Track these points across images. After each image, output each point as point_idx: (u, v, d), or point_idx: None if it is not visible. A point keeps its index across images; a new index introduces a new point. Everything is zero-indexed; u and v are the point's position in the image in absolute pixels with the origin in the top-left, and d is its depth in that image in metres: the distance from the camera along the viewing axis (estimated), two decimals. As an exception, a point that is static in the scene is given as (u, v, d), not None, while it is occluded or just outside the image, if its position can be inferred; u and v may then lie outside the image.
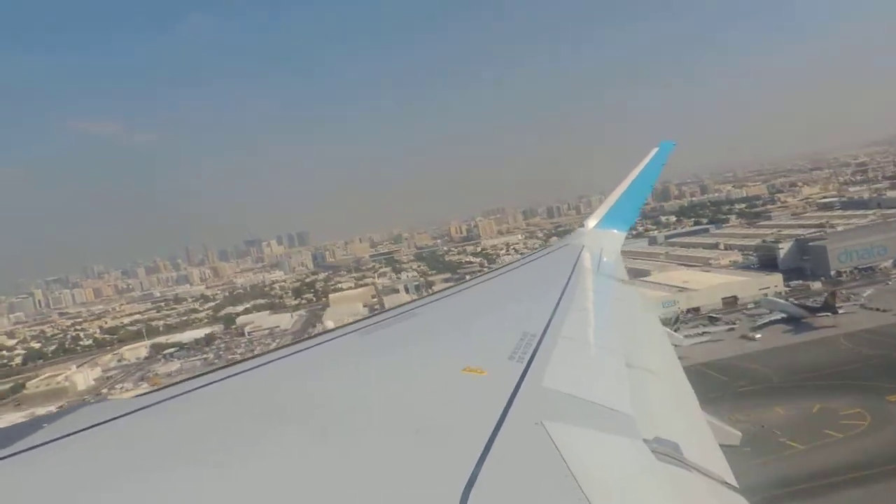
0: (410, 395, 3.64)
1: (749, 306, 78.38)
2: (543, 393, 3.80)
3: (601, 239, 13.29)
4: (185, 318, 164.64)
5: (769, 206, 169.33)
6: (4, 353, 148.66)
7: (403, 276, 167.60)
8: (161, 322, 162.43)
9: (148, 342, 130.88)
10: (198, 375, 3.82)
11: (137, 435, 2.77)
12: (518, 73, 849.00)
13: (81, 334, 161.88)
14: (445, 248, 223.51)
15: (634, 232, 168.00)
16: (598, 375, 4.86)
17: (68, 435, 2.61)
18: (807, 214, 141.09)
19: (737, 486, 3.53)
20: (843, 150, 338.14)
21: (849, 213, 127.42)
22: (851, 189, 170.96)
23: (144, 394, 3.44)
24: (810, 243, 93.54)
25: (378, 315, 6.12)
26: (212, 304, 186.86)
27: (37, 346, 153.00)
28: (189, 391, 3.40)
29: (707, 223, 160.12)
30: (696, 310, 78.02)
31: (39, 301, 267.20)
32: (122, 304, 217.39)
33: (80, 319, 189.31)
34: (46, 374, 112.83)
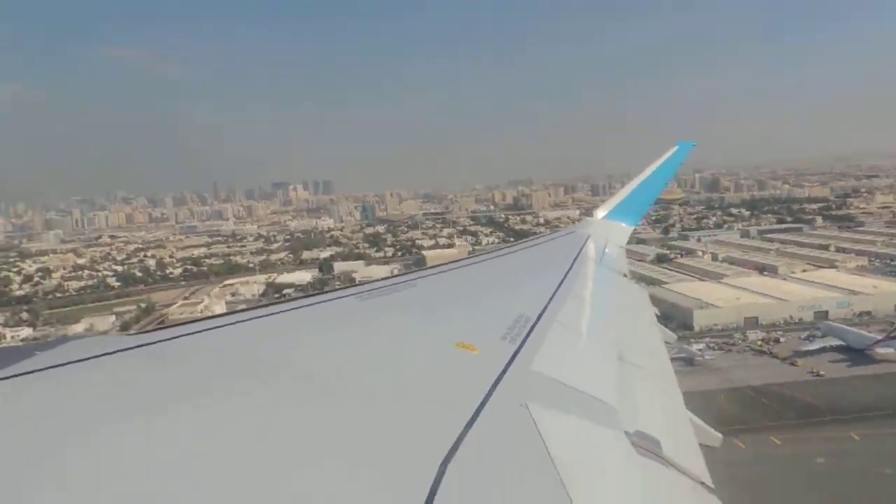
0: (400, 364, 3.63)
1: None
2: (531, 376, 3.81)
3: (608, 230, 13.30)
4: (262, 257, 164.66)
5: (850, 211, 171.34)
6: (89, 273, 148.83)
7: (482, 239, 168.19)
8: (243, 259, 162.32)
9: (261, 277, 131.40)
10: (189, 322, 3.71)
11: (120, 376, 2.68)
12: (561, 51, 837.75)
13: (169, 261, 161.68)
14: (503, 216, 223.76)
15: (708, 225, 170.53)
16: (588, 365, 4.92)
17: (58, 366, 2.56)
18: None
19: (713, 486, 3.58)
20: (871, 158, 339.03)
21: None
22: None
23: (137, 332, 3.36)
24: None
25: (377, 282, 6.05)
26: (275, 245, 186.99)
27: (117, 269, 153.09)
28: (179, 336, 3.34)
29: (791, 222, 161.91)
30: (868, 313, 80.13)
31: (77, 221, 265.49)
32: (175, 235, 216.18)
33: (140, 246, 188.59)
34: (179, 300, 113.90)
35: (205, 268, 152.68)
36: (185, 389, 2.64)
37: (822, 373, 63.62)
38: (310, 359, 3.41)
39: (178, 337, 3.35)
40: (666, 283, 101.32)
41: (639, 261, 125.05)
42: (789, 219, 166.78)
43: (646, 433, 3.66)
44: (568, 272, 8.09)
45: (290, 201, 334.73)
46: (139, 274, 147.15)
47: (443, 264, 8.12)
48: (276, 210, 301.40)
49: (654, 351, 6.78)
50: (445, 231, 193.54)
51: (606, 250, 11.64)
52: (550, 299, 6.12)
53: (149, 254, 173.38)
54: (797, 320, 79.98)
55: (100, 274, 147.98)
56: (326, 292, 5.44)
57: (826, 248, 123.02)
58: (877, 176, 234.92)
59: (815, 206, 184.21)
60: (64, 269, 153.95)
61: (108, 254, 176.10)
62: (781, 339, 74.52)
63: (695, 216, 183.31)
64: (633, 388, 4.78)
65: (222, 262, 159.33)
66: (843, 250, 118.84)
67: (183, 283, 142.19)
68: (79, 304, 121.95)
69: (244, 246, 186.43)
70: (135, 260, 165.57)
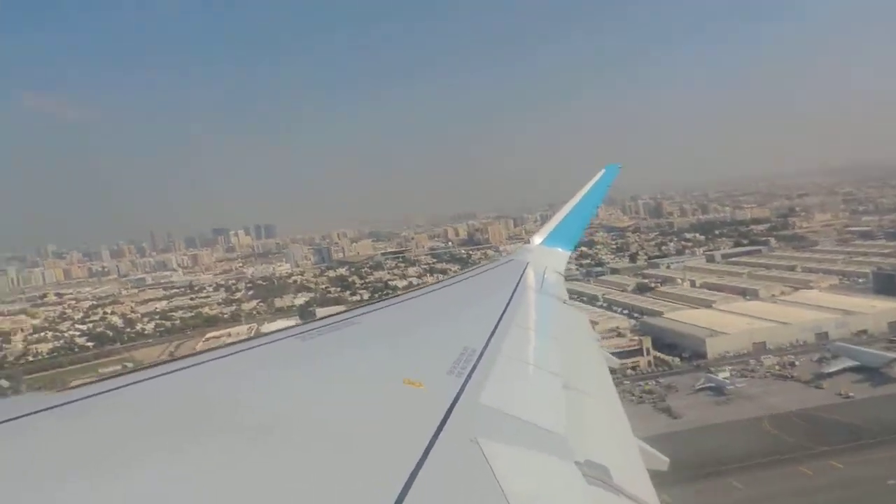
0: (346, 405, 3.63)
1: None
2: (480, 409, 3.85)
3: (546, 257, 13.76)
4: (231, 307, 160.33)
5: (796, 231, 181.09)
6: (52, 334, 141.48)
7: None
8: (212, 311, 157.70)
9: (243, 328, 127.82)
10: (122, 374, 3.69)
11: (47, 436, 2.60)
12: (482, 77, 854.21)
13: (134, 317, 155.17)
14: (464, 251, 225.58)
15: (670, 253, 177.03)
16: (535, 395, 4.96)
17: None
18: (856, 242, 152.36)
19: None
20: (791, 178, 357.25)
21: (893, 244, 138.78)
22: (863, 219, 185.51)
23: (64, 389, 3.29)
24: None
25: (317, 321, 6.09)
26: (238, 293, 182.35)
27: (81, 328, 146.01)
28: (111, 390, 3.26)
29: (747, 244, 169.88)
30: (864, 332, 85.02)
31: (13, 280, 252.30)
32: (127, 289, 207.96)
33: (94, 302, 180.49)
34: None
35: (177, 321, 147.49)
36: (120, 444, 2.56)
37: (850, 394, 66.90)
38: (250, 405, 3.35)
39: (111, 390, 3.27)
40: (659, 312, 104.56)
41: (620, 291, 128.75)
42: (745, 241, 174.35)
43: (595, 462, 3.73)
44: (510, 301, 8.31)
45: (232, 248, 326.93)
46: (109, 332, 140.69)
47: (384, 299, 8.47)
48: (221, 258, 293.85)
49: (599, 376, 6.99)
50: (411, 270, 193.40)
51: (546, 276, 12.06)
52: (494, 330, 6.32)
53: (107, 310, 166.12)
54: (801, 342, 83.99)
55: (66, 334, 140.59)
56: (266, 335, 5.41)
57: (793, 268, 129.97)
58: (807, 194, 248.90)
59: (761, 227, 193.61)
60: (22, 331, 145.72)
61: (63, 313, 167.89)
62: (796, 363, 78.18)
63: (654, 243, 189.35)
64: (581, 415, 4.85)
65: (192, 314, 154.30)
66: (811, 270, 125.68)
67: (160, 338, 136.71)
68: (57, 367, 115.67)
69: (208, 297, 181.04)
70: (96, 317, 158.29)
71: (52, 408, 2.85)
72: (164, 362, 4.06)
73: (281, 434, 2.93)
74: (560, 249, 14.65)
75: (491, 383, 4.42)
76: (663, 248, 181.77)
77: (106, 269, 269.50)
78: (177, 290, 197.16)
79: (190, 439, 2.71)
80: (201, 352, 4.51)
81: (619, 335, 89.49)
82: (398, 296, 8.85)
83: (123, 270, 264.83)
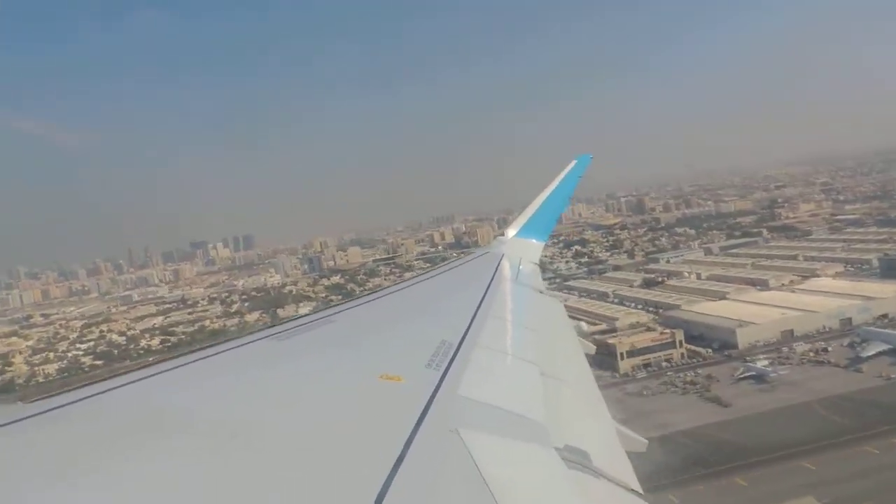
0: (325, 402, 3.63)
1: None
2: (459, 401, 3.89)
3: (521, 248, 13.95)
4: (234, 320, 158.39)
5: (785, 222, 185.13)
6: (55, 355, 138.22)
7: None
8: (215, 325, 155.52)
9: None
10: (95, 381, 3.67)
11: (20, 442, 2.58)
12: (452, 79, 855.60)
13: (135, 334, 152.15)
14: (454, 254, 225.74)
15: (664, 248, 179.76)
16: (513, 384, 5.04)
17: None
18: (849, 230, 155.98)
19: (641, 491, 3.80)
20: (763, 170, 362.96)
21: (885, 230, 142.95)
22: (846, 207, 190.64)
23: (35, 399, 3.22)
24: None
25: (293, 321, 6.11)
26: (234, 306, 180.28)
27: (82, 347, 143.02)
28: (86, 398, 3.23)
29: (739, 236, 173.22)
30: (885, 316, 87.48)
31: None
32: (116, 307, 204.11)
33: (86, 321, 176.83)
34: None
35: (183, 336, 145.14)
36: (91, 449, 2.58)
37: (892, 376, 68.95)
38: (228, 406, 3.37)
39: (81, 399, 3.27)
40: (676, 305, 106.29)
41: (628, 286, 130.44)
42: (737, 233, 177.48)
43: (574, 447, 3.81)
44: (486, 293, 8.44)
45: (213, 261, 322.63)
46: (115, 351, 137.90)
47: (360, 297, 8.61)
48: (203, 271, 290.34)
49: (576, 363, 7.13)
50: (408, 275, 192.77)
51: (521, 268, 12.26)
52: (471, 322, 6.39)
53: (102, 329, 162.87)
54: (828, 329, 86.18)
55: (69, 354, 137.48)
56: (239, 336, 5.39)
57: (794, 257, 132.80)
58: (784, 186, 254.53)
59: (748, 219, 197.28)
60: (20, 353, 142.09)
61: (57, 333, 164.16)
62: (829, 349, 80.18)
63: (646, 239, 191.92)
64: (559, 402, 4.95)
65: (194, 328, 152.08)
66: (812, 259, 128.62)
67: (170, 353, 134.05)
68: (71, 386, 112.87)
69: (206, 310, 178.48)
70: (93, 336, 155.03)
71: (26, 418, 2.82)
72: (140, 367, 4.08)
73: (261, 432, 2.93)
74: (534, 240, 14.90)
75: (469, 374, 4.50)
76: (656, 243, 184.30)
77: (86, 288, 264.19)
78: (169, 306, 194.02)
79: (167, 441, 2.68)
80: (177, 355, 4.47)
81: (649, 329, 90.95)
82: (373, 293, 8.94)
83: (104, 288, 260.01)
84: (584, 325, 9.14)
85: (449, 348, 5.05)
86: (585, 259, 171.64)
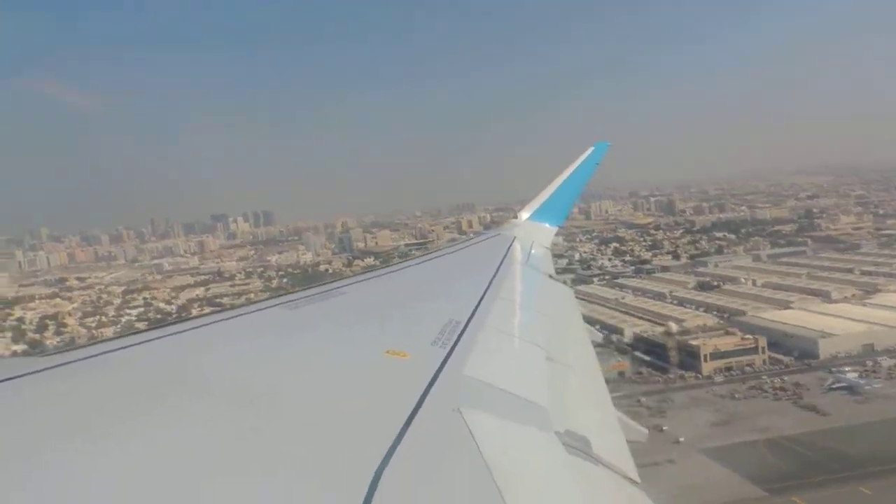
0: (330, 373, 3.69)
1: None
2: (463, 380, 3.88)
3: (533, 231, 13.87)
4: (273, 295, 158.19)
5: (829, 233, 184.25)
6: (104, 319, 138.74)
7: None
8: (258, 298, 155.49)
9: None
10: (105, 340, 3.71)
11: (31, 399, 2.62)
12: (488, 74, 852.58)
13: (182, 303, 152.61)
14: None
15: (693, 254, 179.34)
16: (518, 367, 5.03)
17: None
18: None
19: (639, 481, 3.78)
20: (785, 176, 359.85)
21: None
22: (888, 222, 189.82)
23: (48, 354, 3.30)
24: None
25: (303, 291, 6.15)
26: (274, 281, 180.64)
27: (131, 312, 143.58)
28: (98, 354, 3.30)
29: (783, 245, 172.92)
30: None
31: (20, 262, 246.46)
32: (152, 273, 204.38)
33: (126, 288, 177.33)
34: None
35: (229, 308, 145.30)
36: (109, 407, 2.62)
37: None
38: (238, 371, 3.43)
39: (100, 354, 3.34)
40: (742, 311, 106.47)
41: (683, 288, 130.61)
42: (780, 242, 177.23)
43: (575, 432, 3.81)
44: (495, 274, 8.38)
45: (234, 234, 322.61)
46: (168, 318, 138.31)
47: (370, 270, 8.68)
48: (225, 244, 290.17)
49: (582, 350, 7.04)
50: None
51: (532, 251, 12.15)
52: (479, 302, 6.34)
53: (145, 296, 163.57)
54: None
55: (122, 319, 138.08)
56: (253, 303, 5.50)
57: (851, 270, 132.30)
58: (816, 196, 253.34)
59: (787, 228, 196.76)
60: (70, 315, 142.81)
61: (100, 297, 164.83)
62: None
63: (685, 241, 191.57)
64: (563, 387, 4.94)
65: (241, 301, 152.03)
66: (869, 273, 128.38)
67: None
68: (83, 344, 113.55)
69: (247, 284, 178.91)
70: (139, 303, 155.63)
71: (36, 372, 2.88)
72: (151, 328, 4.13)
73: (264, 402, 2.96)
74: (547, 225, 14.86)
75: (475, 355, 4.47)
76: (697, 246, 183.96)
77: (112, 254, 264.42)
78: (205, 277, 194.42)
79: (174, 405, 2.72)
80: (188, 318, 4.59)
81: (729, 333, 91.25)
82: (385, 267, 8.96)
83: (130, 255, 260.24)
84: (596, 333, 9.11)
85: (456, 327, 5.02)
86: (628, 258, 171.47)
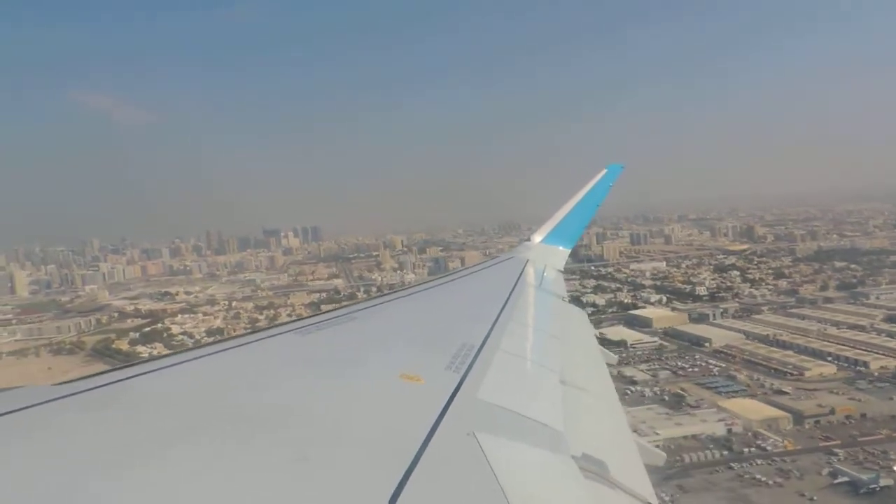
0: (344, 398, 3.63)
1: None
2: (478, 404, 3.85)
3: (546, 254, 13.89)
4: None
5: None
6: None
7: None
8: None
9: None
10: (115, 369, 3.67)
11: (48, 430, 2.60)
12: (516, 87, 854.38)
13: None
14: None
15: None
16: (533, 390, 4.99)
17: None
18: None
19: None
20: (832, 203, 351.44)
21: None
22: None
23: (60, 383, 3.29)
24: None
25: (315, 317, 6.16)
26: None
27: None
28: (107, 384, 3.26)
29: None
30: None
31: (104, 274, 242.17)
32: (254, 289, 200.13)
33: (251, 304, 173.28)
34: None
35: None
36: (117, 438, 2.55)
37: None
38: (249, 399, 3.35)
39: (108, 384, 3.25)
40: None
41: (870, 319, 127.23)
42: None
43: (592, 456, 3.69)
44: (509, 297, 8.30)
45: (289, 250, 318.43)
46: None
47: (382, 295, 8.54)
48: (290, 260, 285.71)
49: (597, 373, 6.93)
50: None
51: (545, 274, 12.12)
52: (493, 326, 6.28)
53: (268, 313, 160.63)
54: None
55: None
56: (264, 329, 5.43)
57: None
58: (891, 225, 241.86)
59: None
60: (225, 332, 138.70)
61: (238, 314, 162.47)
62: None
63: (815, 271, 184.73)
64: (578, 411, 4.82)
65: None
66: None
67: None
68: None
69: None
70: (284, 318, 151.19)
71: (50, 401, 2.86)
72: (162, 357, 4.02)
73: (279, 428, 2.91)
74: (560, 247, 14.71)
75: (489, 378, 4.41)
76: (830, 281, 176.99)
77: (187, 268, 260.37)
78: (321, 294, 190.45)
79: (187, 434, 2.69)
80: (200, 346, 4.49)
81: None
82: (397, 291, 8.87)
83: (204, 270, 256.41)
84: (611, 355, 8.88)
85: (470, 351, 4.98)
86: (775, 286, 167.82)
